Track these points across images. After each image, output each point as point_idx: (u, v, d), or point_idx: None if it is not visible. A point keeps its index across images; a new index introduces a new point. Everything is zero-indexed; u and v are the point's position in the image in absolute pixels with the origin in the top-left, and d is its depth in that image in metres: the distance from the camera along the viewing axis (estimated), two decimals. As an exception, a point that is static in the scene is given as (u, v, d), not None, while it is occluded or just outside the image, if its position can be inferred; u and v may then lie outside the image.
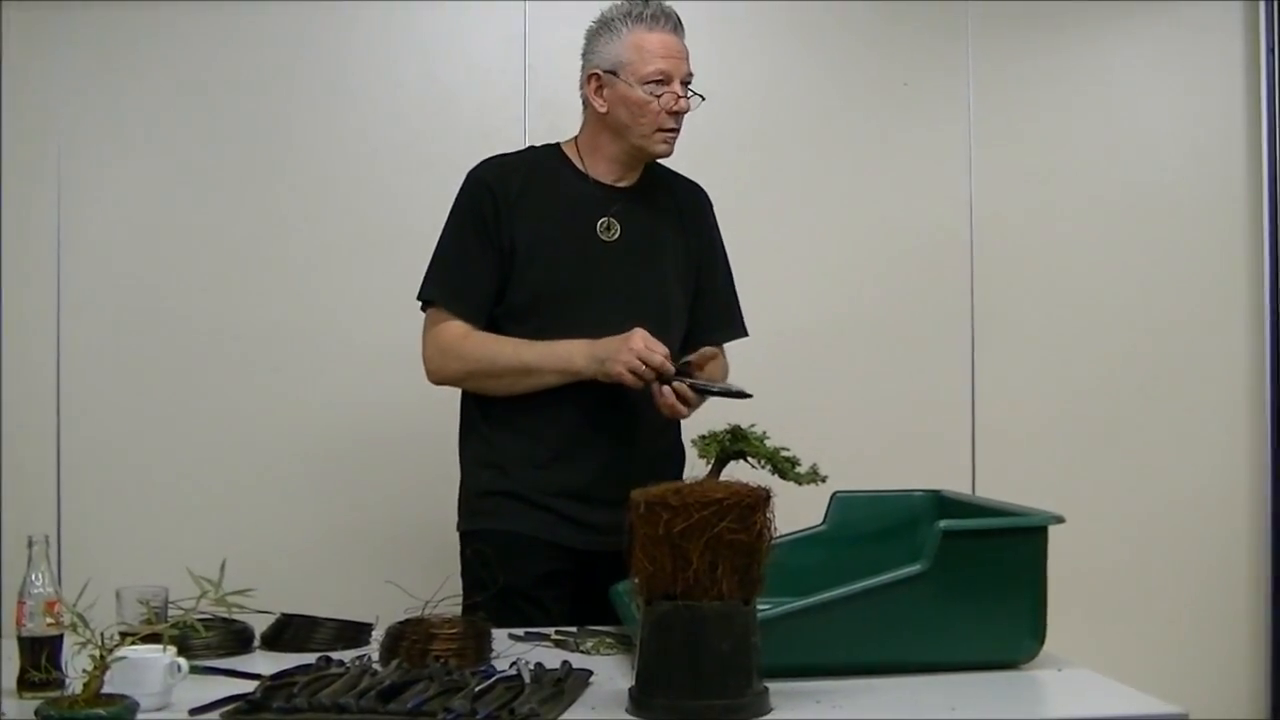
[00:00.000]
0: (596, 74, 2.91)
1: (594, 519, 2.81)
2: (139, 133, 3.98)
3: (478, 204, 2.91)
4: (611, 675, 2.23)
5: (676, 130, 2.92)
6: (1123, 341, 4.30)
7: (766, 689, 1.99)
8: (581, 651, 2.43)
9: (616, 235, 2.93)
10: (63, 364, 3.94)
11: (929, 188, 4.24)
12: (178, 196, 3.98)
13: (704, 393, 2.68)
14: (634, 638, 2.11)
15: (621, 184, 2.98)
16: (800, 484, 2.11)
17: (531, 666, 2.16)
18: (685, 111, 2.90)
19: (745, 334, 3.15)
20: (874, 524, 2.71)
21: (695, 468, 2.08)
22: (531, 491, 2.86)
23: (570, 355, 2.78)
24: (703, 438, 2.12)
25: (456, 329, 2.87)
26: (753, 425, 2.09)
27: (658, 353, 2.66)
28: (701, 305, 3.07)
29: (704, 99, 2.92)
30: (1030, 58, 4.29)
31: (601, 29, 2.92)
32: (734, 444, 2.11)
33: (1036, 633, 2.27)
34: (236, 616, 2.23)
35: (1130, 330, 4.30)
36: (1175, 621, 4.28)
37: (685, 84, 2.90)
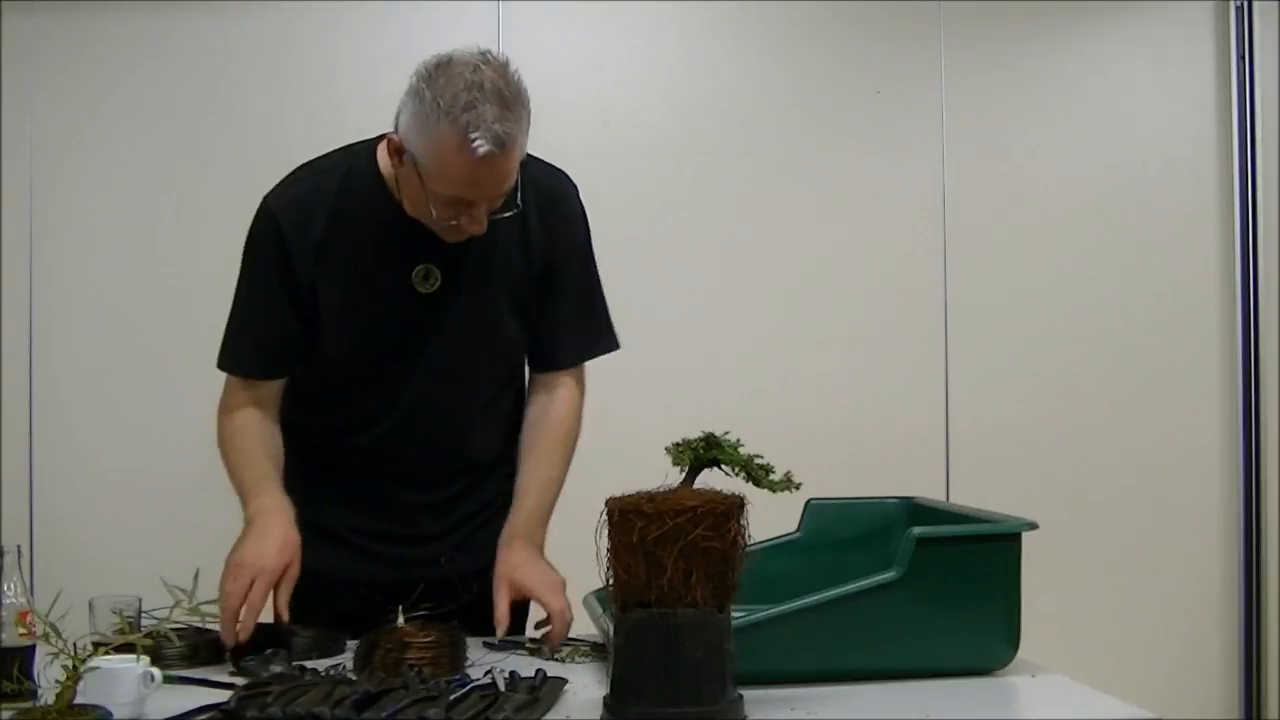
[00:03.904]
0: (394, 141, 2.41)
1: (408, 554, 2.67)
2: (115, 135, 4.00)
3: (266, 251, 2.55)
4: (586, 683, 2.23)
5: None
6: (1096, 343, 4.33)
7: (741, 696, 1.99)
8: (556, 659, 2.42)
9: (437, 285, 2.54)
10: (35, 373, 3.93)
11: (902, 192, 4.26)
12: (154, 201, 3.99)
13: None
14: (608, 645, 2.11)
15: None
16: (774, 491, 2.11)
17: (506, 675, 2.17)
18: (478, 233, 2.43)
19: (612, 348, 2.77)
20: (848, 531, 2.71)
21: (670, 475, 2.08)
22: (335, 525, 2.65)
23: (245, 509, 2.53)
24: (676, 445, 2.12)
25: (237, 398, 2.64)
26: (727, 433, 2.09)
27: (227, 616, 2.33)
28: (548, 319, 2.68)
29: (518, 207, 2.45)
30: (1002, 63, 4.33)
31: (415, 101, 2.33)
32: (707, 452, 2.11)
33: (1010, 639, 2.28)
34: (210, 626, 2.23)
35: (1103, 332, 4.33)
36: (1149, 626, 4.30)
37: (493, 198, 2.40)
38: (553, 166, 2.69)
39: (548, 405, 2.73)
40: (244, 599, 2.35)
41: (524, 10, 4.06)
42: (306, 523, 2.58)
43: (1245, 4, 4.32)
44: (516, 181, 2.42)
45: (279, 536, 2.44)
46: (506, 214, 2.44)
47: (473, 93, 2.27)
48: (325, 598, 2.57)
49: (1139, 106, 4.38)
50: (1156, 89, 4.38)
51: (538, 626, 2.54)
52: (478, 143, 2.26)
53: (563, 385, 2.74)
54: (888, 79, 4.27)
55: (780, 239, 4.21)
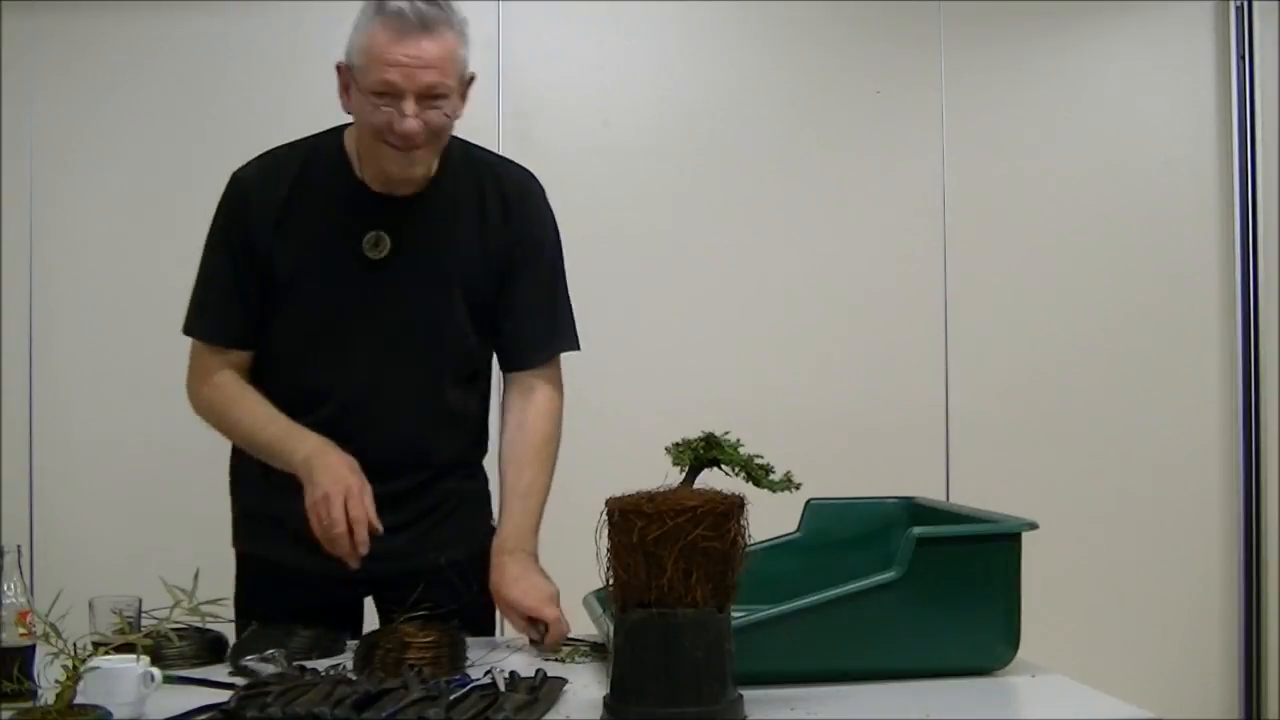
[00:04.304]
0: (340, 66, 2.48)
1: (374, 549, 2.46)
2: (115, 135, 4.00)
3: (230, 216, 2.61)
4: (586, 683, 2.23)
5: (408, 148, 2.44)
6: (1096, 343, 4.34)
7: (741, 696, 1.99)
8: (556, 659, 2.42)
9: (386, 252, 2.56)
10: (35, 373, 3.93)
11: (902, 192, 4.26)
12: (153, 201, 3.98)
13: None
14: (608, 645, 2.11)
15: (407, 189, 2.57)
16: (774, 491, 2.11)
17: (506, 674, 2.16)
18: (411, 134, 2.40)
19: (573, 346, 2.76)
20: (848, 531, 2.71)
21: (670, 475, 2.08)
22: (285, 514, 2.52)
23: (291, 457, 2.49)
24: (676, 445, 2.12)
25: (211, 364, 2.63)
26: (726, 432, 2.09)
27: (343, 550, 2.39)
28: (511, 316, 2.68)
29: (450, 117, 2.45)
30: (1002, 63, 4.33)
31: (362, 9, 2.44)
32: (707, 451, 2.11)
33: (1010, 639, 2.28)
34: (210, 626, 2.23)
35: (1104, 332, 4.34)
36: (1149, 626, 4.30)
37: (433, 97, 2.40)
38: (522, 167, 2.72)
39: (525, 411, 2.70)
40: (347, 521, 2.38)
41: (524, 10, 4.06)
42: (258, 514, 2.66)
43: (1245, 4, 4.32)
44: (452, 97, 2.44)
45: (341, 461, 2.46)
46: (439, 107, 2.42)
47: None
48: (281, 591, 2.59)
49: (1139, 106, 4.38)
50: (1156, 89, 4.38)
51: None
52: (402, 13, 2.35)
53: (537, 390, 2.71)
54: (888, 79, 4.27)
55: (780, 239, 4.21)
